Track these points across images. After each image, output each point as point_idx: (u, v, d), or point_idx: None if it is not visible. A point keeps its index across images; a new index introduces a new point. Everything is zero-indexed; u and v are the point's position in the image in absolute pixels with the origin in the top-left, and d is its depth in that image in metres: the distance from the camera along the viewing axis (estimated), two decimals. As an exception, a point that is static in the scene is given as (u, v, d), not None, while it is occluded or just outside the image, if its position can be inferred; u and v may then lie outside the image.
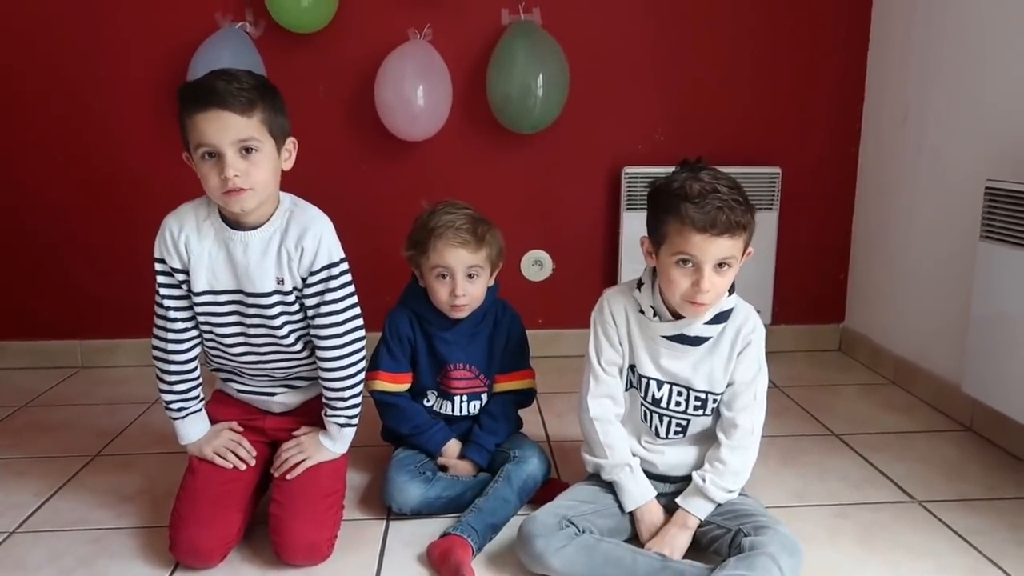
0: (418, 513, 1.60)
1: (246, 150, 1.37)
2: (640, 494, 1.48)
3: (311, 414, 1.61)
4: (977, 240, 1.87)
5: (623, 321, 1.50)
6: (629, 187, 2.53)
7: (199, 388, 1.57)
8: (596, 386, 1.51)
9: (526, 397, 1.80)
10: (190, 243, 1.46)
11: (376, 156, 2.54)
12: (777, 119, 2.61)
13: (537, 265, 2.66)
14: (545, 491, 1.65)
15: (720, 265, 1.36)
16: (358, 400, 1.55)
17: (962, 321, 2.00)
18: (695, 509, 1.44)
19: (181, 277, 1.48)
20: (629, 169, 2.53)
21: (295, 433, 1.58)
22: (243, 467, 1.53)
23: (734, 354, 1.46)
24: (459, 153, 2.56)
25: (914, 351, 2.37)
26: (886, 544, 1.52)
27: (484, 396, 1.76)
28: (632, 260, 2.52)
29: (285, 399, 1.63)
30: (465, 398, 1.75)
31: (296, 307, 1.50)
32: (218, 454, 1.53)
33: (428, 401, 1.76)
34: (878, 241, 2.57)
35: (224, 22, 2.38)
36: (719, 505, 1.45)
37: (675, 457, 1.52)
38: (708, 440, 1.52)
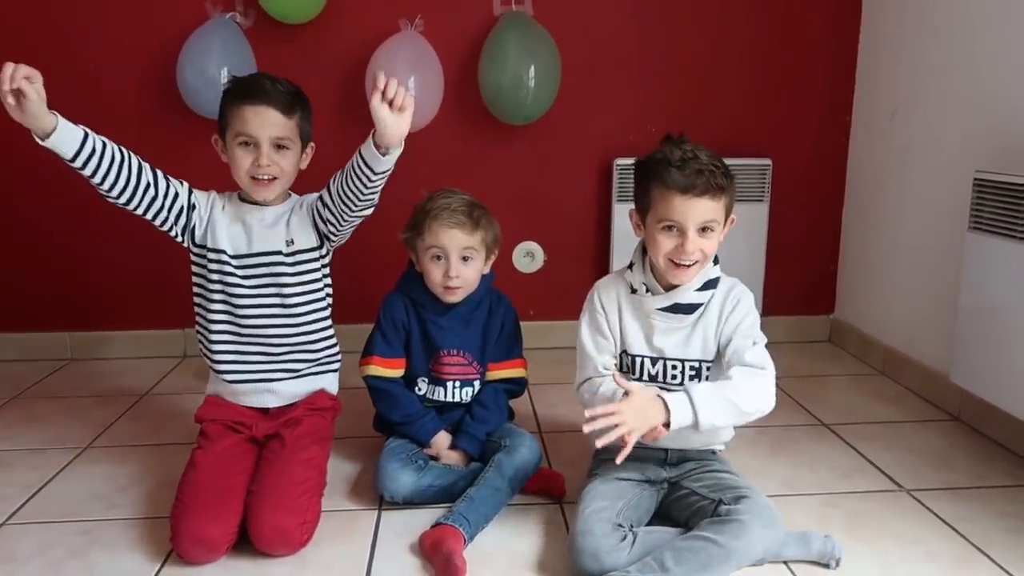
0: (410, 502, 1.61)
1: (279, 146, 1.55)
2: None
3: (304, 410, 1.63)
4: (966, 231, 1.88)
5: (614, 308, 1.54)
6: (621, 178, 2.53)
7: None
8: (594, 371, 1.53)
9: (517, 387, 1.81)
10: (214, 210, 1.63)
11: (367, 147, 2.53)
12: (768, 111, 2.61)
13: (529, 256, 2.66)
14: (536, 480, 1.66)
15: (703, 230, 1.42)
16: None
17: (951, 312, 2.01)
18: (671, 399, 1.34)
19: (186, 201, 1.59)
20: (621, 160, 2.53)
21: None
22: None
23: (723, 316, 1.50)
24: (451, 144, 2.55)
25: (903, 342, 2.38)
26: (875, 532, 1.54)
27: (476, 383, 1.77)
28: (624, 251, 2.51)
29: (283, 388, 1.65)
30: (457, 384, 1.75)
31: (306, 273, 1.63)
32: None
33: (420, 389, 1.76)
34: (868, 232, 2.58)
35: (214, 12, 2.37)
36: (697, 425, 1.34)
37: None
38: None
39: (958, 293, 1.92)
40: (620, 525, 1.40)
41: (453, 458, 1.69)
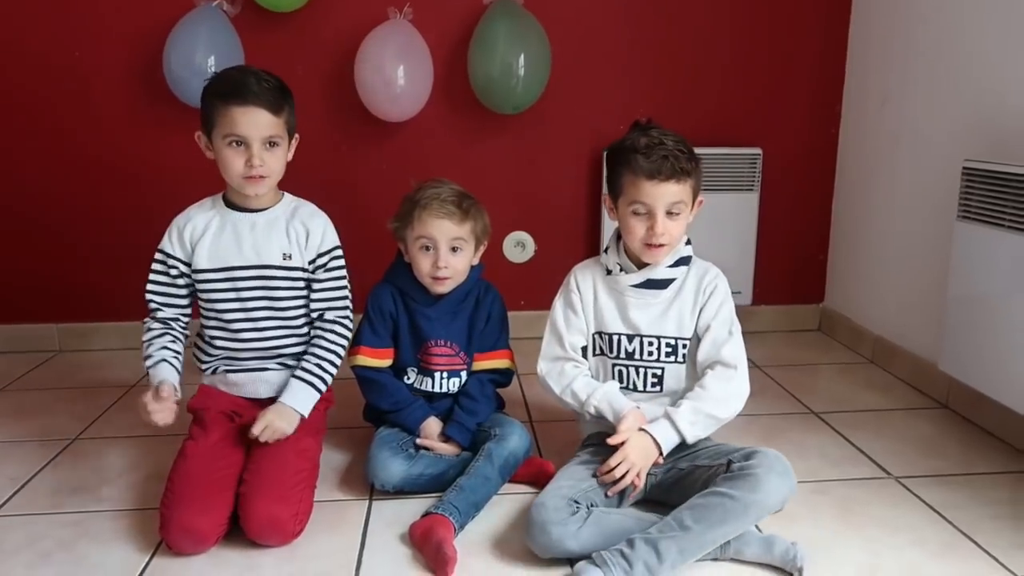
0: (400, 490, 1.61)
1: (270, 144, 1.54)
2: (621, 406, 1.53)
3: None
4: (954, 220, 1.88)
5: (589, 288, 1.62)
6: (611, 168, 2.53)
7: (179, 345, 1.63)
8: (563, 350, 1.60)
9: (504, 377, 1.81)
10: (195, 231, 1.60)
11: (356, 137, 2.52)
12: (758, 100, 2.61)
13: (519, 246, 2.66)
14: (526, 469, 1.66)
15: (670, 213, 1.49)
16: (334, 365, 1.64)
17: (939, 301, 2.02)
18: (658, 432, 1.47)
19: (179, 266, 1.60)
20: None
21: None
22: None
23: (699, 300, 1.57)
24: (440, 134, 2.54)
25: (892, 330, 2.39)
26: (863, 519, 1.54)
27: (464, 374, 1.76)
28: (614, 241, 2.52)
29: (275, 378, 1.64)
30: (445, 375, 1.75)
31: (300, 283, 1.63)
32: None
33: (409, 379, 1.76)
34: (858, 222, 2.59)
35: (200, 0, 2.34)
36: (684, 443, 1.49)
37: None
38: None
39: (947, 282, 1.92)
40: (576, 501, 1.41)
41: (443, 449, 1.69)
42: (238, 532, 1.47)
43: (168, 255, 1.60)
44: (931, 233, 2.16)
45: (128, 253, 2.53)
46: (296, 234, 1.61)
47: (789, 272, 2.76)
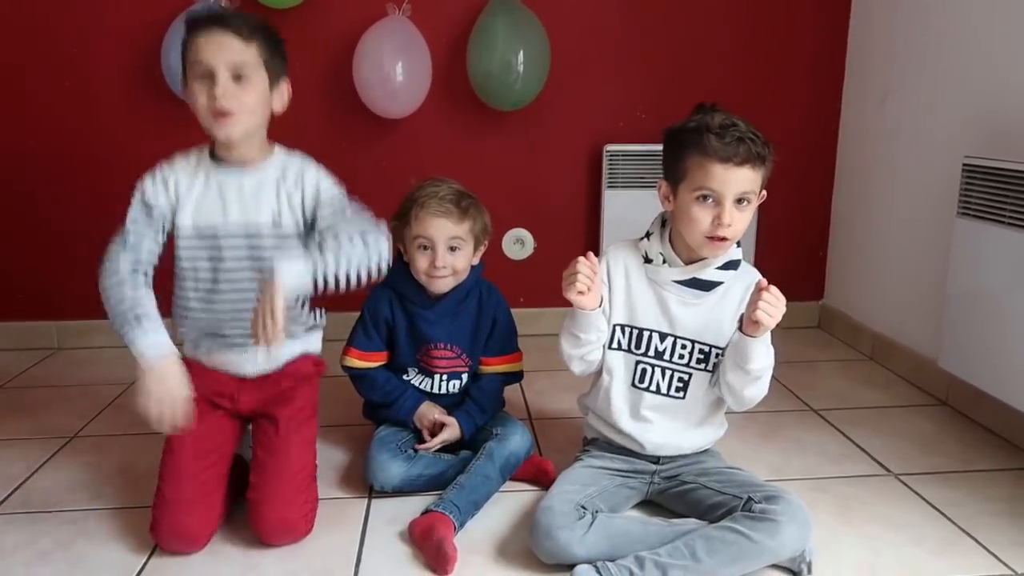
0: (400, 491, 1.60)
1: (238, 76, 1.39)
2: None
3: (290, 380, 1.55)
4: (954, 217, 1.88)
5: (620, 275, 1.48)
6: (610, 165, 2.52)
7: (152, 304, 1.44)
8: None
9: (515, 378, 1.81)
10: (180, 184, 1.47)
11: (354, 133, 2.51)
12: (757, 97, 2.60)
13: (518, 244, 2.65)
14: (526, 468, 1.66)
15: (740, 201, 1.37)
16: (350, 263, 1.40)
17: (939, 297, 2.02)
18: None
19: (161, 212, 1.47)
20: (610, 147, 2.52)
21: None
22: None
23: (741, 308, 1.43)
24: (439, 130, 2.54)
25: (892, 327, 2.39)
26: (863, 517, 1.54)
27: (465, 376, 1.76)
28: (614, 238, 2.51)
29: (263, 355, 1.52)
30: (445, 377, 1.74)
31: (292, 243, 1.48)
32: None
33: (408, 378, 1.75)
34: (857, 219, 2.59)
35: (198, -4, 2.34)
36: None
37: (662, 435, 1.51)
38: (697, 423, 1.52)
39: (946, 279, 1.92)
40: (583, 507, 1.39)
41: (442, 439, 1.67)
42: (238, 529, 1.47)
43: (147, 194, 1.46)
44: (931, 230, 2.16)
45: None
46: (288, 195, 1.48)
47: (788, 269, 2.75)
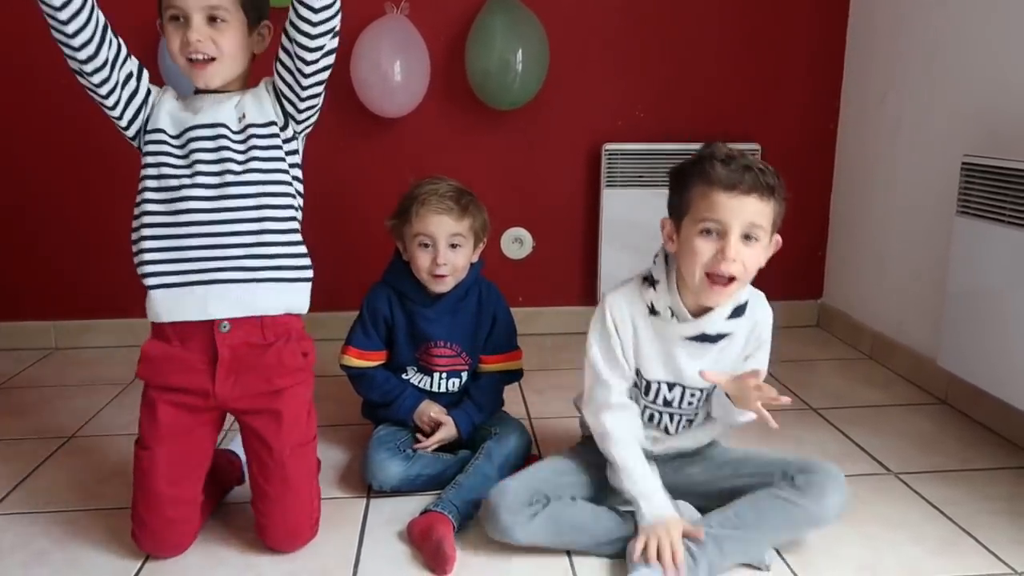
0: (398, 491, 1.60)
1: (213, 19, 1.34)
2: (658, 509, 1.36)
3: (270, 350, 1.39)
4: (954, 215, 1.88)
5: (628, 329, 1.40)
6: (609, 164, 2.52)
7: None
8: (608, 397, 1.41)
9: (516, 376, 1.81)
10: (164, 96, 1.42)
11: (352, 133, 2.51)
12: (756, 95, 2.60)
13: (517, 243, 2.65)
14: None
15: (747, 237, 1.28)
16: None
17: (938, 296, 2.02)
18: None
19: (150, 99, 1.41)
20: (609, 146, 2.51)
21: None
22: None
23: (747, 350, 1.42)
24: (437, 129, 2.53)
25: (891, 326, 2.39)
26: (862, 516, 1.54)
27: (464, 375, 1.75)
28: (612, 237, 2.52)
29: (232, 292, 1.36)
30: (445, 375, 1.74)
31: (262, 153, 1.37)
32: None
33: (407, 376, 1.75)
34: (856, 217, 2.58)
35: (196, -5, 2.33)
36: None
37: (680, 441, 1.50)
38: (712, 422, 1.51)
39: (946, 278, 1.92)
40: (546, 495, 1.39)
41: (443, 432, 1.67)
42: (237, 529, 1.47)
43: (149, 91, 1.41)
44: (930, 228, 2.15)
45: (124, 250, 2.50)
46: (253, 95, 1.40)
47: (787, 268, 2.73)
